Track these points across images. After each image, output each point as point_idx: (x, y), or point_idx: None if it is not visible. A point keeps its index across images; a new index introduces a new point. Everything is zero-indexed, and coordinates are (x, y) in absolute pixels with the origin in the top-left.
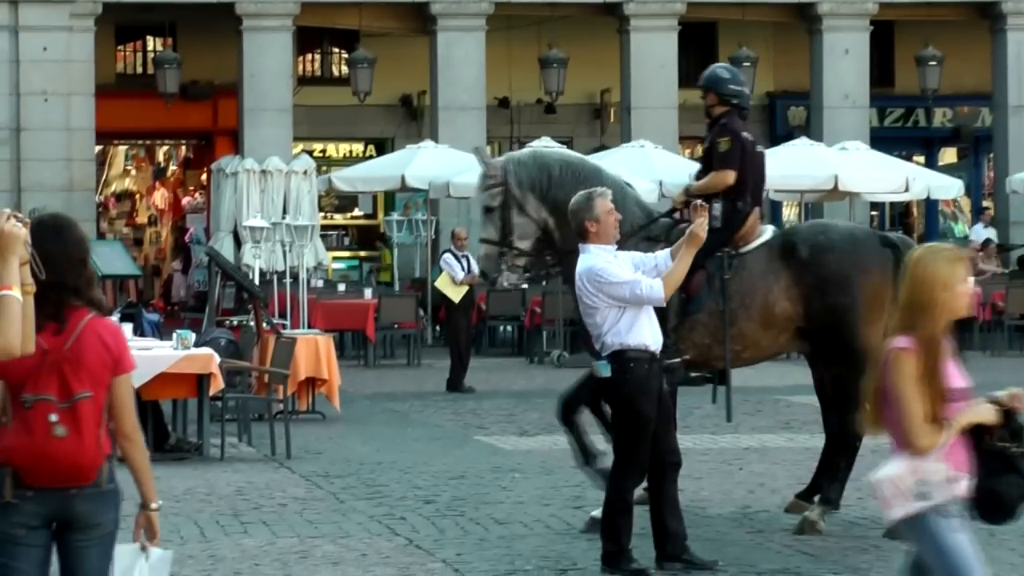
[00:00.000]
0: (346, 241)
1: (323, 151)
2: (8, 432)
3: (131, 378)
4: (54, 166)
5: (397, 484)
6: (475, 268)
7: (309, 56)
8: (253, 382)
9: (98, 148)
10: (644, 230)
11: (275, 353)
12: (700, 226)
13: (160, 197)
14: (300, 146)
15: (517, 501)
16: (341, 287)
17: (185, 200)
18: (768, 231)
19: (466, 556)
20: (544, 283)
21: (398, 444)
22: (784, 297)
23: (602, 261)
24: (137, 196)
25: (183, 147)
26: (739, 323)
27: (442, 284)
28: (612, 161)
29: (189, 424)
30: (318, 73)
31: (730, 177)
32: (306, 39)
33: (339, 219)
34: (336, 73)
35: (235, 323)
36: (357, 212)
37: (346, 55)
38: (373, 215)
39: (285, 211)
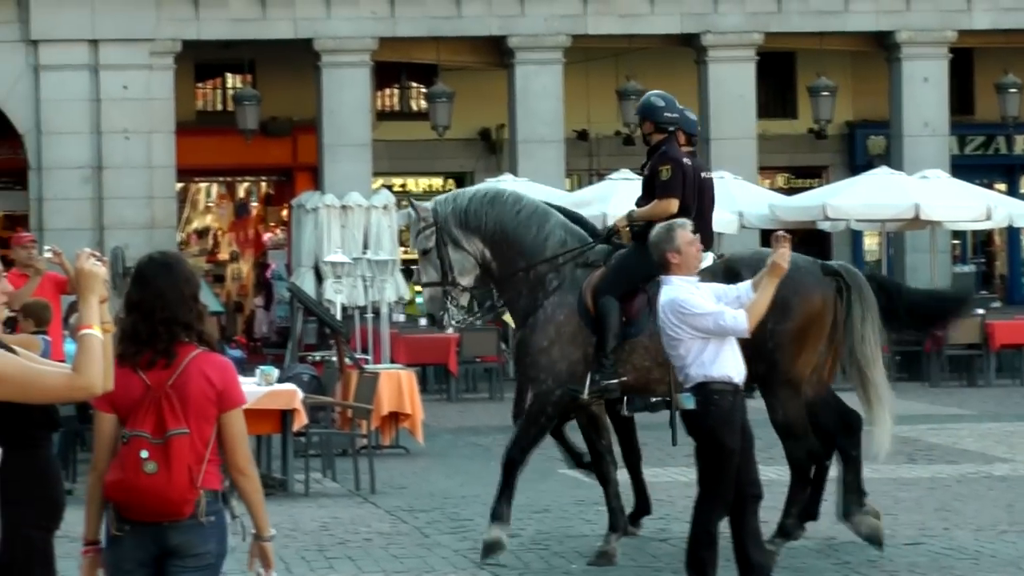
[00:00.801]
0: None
1: (403, 185)
2: (111, 467)
3: (241, 413)
4: (136, 204)
5: (481, 518)
6: None
7: (387, 91)
8: (336, 417)
9: (179, 185)
10: (581, 256)
11: (358, 388)
12: (783, 257)
13: (241, 234)
14: (380, 181)
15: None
16: (423, 321)
17: (266, 236)
18: (709, 258)
19: None
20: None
21: (482, 478)
22: None
23: (685, 292)
24: (218, 233)
25: (263, 183)
26: None
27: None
28: None
29: (273, 460)
30: (397, 108)
31: (673, 205)
32: (384, 74)
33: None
34: (415, 108)
35: (318, 359)
36: None
37: (424, 89)
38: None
39: (366, 246)
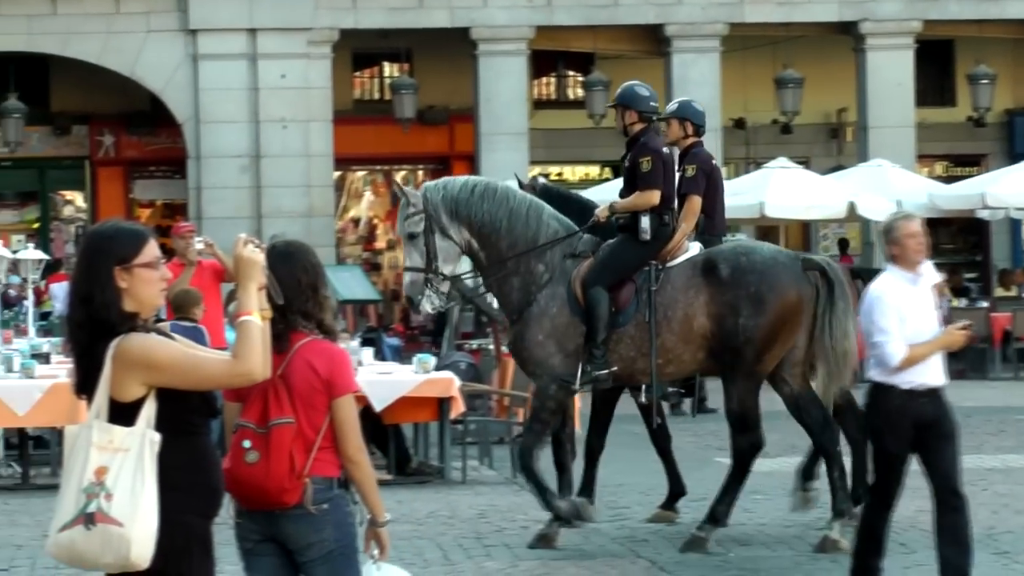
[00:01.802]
0: None
1: (559, 174)
2: (225, 457)
3: (351, 401)
4: (294, 192)
5: (639, 506)
6: None
7: (544, 79)
8: (493, 405)
9: (336, 174)
10: (567, 245)
11: (515, 376)
12: (962, 333)
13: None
14: (536, 169)
15: (759, 523)
16: None
17: None
18: (695, 247)
19: None
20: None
21: (639, 466)
22: (702, 313)
23: (890, 294)
24: (375, 221)
25: (420, 172)
26: (662, 336)
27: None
28: (849, 181)
29: (431, 448)
30: (553, 96)
31: (655, 197)
32: (541, 63)
33: None
34: (571, 96)
35: (475, 346)
36: None
37: (581, 78)
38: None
39: None
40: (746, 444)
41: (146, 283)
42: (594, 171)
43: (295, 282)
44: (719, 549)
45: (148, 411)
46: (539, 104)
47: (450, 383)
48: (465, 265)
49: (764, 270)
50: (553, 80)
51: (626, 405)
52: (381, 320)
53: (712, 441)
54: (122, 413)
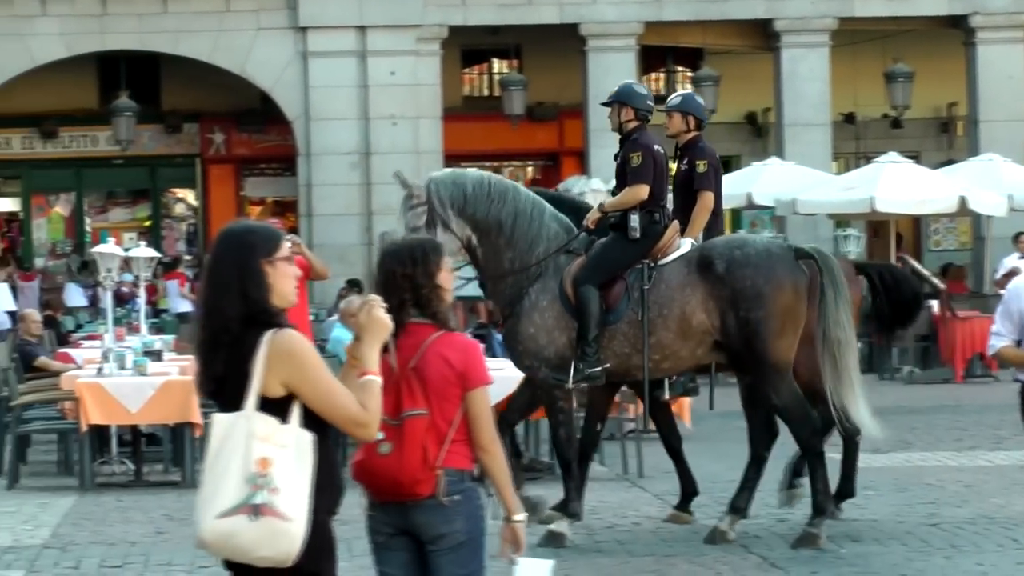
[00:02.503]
0: None
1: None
2: (358, 449)
3: (484, 392)
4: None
5: (754, 503)
6: None
7: (653, 75)
8: None
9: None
10: (560, 241)
11: None
12: None
13: None
14: None
15: (871, 518)
16: None
17: None
18: (686, 244)
19: (821, 574)
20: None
21: None
22: (701, 309)
23: (1014, 293)
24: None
25: (530, 168)
26: (657, 333)
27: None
28: (960, 175)
29: (542, 444)
30: (662, 92)
31: (643, 192)
32: (650, 58)
33: None
34: (680, 91)
35: None
36: None
37: (690, 73)
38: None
39: None
40: (806, 432)
41: (284, 277)
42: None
43: (408, 274)
44: (831, 545)
45: (297, 410)
46: None
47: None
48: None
49: (759, 263)
50: (662, 75)
51: (730, 400)
52: (491, 316)
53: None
54: (268, 407)
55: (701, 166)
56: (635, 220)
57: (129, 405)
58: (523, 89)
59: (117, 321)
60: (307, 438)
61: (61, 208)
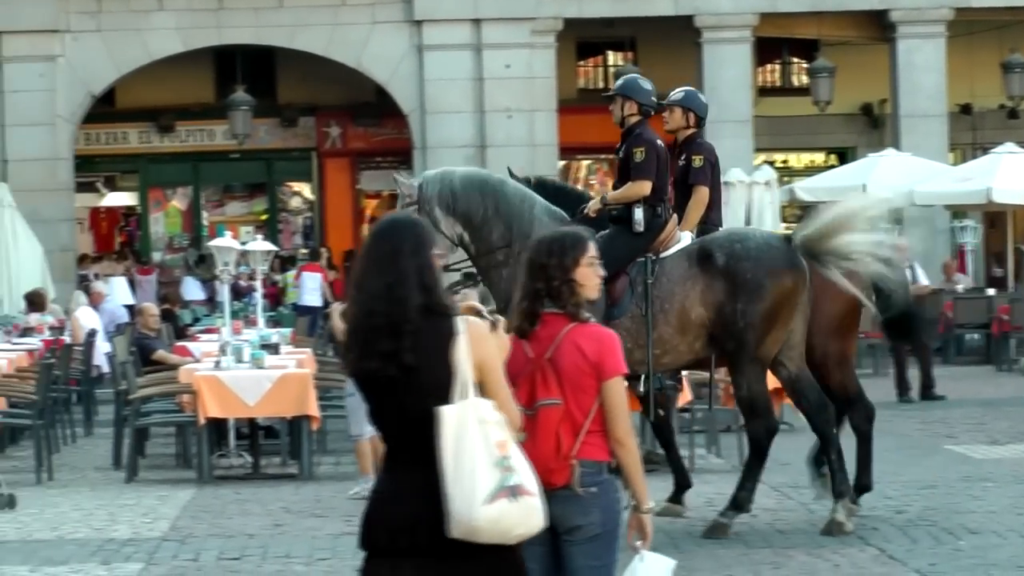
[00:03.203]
0: None
1: (784, 161)
2: None
3: (620, 383)
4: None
5: (868, 495)
6: (921, 278)
7: (769, 66)
8: (720, 393)
9: (561, 163)
10: None
11: None
12: None
13: None
14: (761, 157)
15: (989, 510)
16: None
17: None
18: (686, 237)
19: (940, 566)
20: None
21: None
22: (699, 303)
23: None
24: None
25: None
26: (658, 327)
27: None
28: None
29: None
30: (778, 83)
31: (646, 187)
32: (766, 49)
33: None
34: (796, 83)
35: None
36: None
37: (806, 65)
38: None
39: (748, 222)
40: (761, 429)
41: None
42: (819, 158)
43: (538, 267)
44: (953, 538)
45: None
46: (764, 91)
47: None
48: (459, 254)
49: (759, 256)
50: (778, 67)
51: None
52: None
53: (940, 428)
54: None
55: (697, 160)
56: (639, 214)
57: (247, 398)
58: None
59: (234, 315)
60: (500, 414)
61: (178, 202)
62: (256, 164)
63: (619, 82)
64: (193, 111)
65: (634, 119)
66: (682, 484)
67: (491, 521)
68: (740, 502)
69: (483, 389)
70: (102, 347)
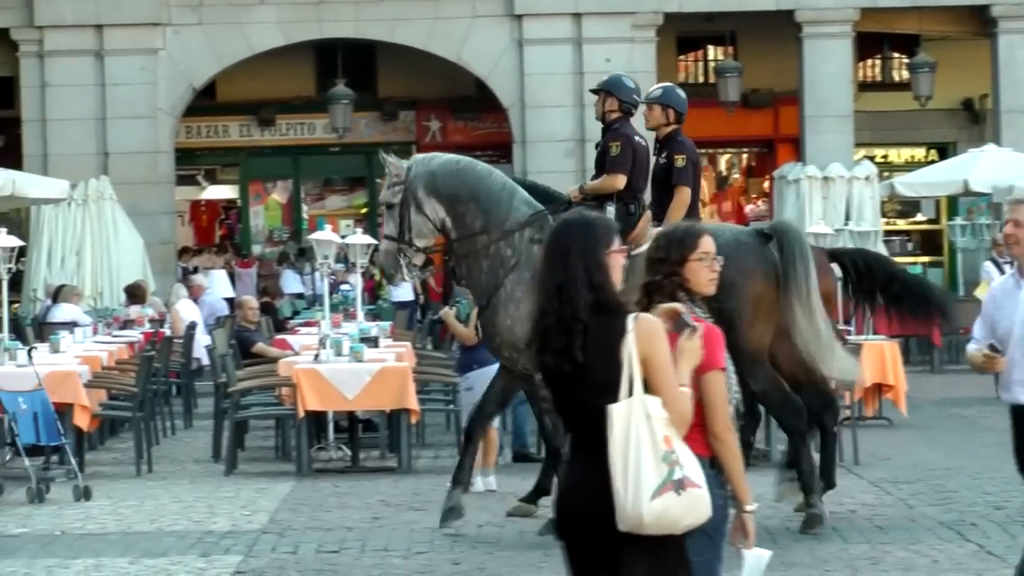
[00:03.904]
0: (909, 247)
1: (884, 156)
2: None
3: (719, 377)
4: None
5: (966, 490)
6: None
7: (869, 61)
8: None
9: None
10: (536, 230)
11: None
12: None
13: (722, 205)
14: (861, 152)
15: None
16: None
17: (748, 208)
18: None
19: None
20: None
21: (966, 450)
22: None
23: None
24: (699, 204)
25: (744, 155)
26: None
27: (981, 291)
28: None
29: (756, 431)
30: (878, 78)
31: (620, 181)
32: (866, 44)
33: (901, 224)
34: (896, 78)
35: None
36: (920, 217)
37: (906, 60)
38: (936, 220)
39: (848, 217)
40: (789, 414)
41: (616, 269)
42: (919, 153)
43: (649, 261)
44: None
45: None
46: (864, 86)
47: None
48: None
49: (729, 254)
50: (878, 62)
51: (946, 388)
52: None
53: None
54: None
55: (679, 160)
56: (610, 211)
57: (346, 391)
58: (738, 76)
59: (334, 308)
60: (665, 411)
61: (278, 195)
62: (356, 158)
63: (604, 79)
64: (293, 104)
65: (614, 115)
66: (541, 487)
67: (657, 515)
68: (809, 487)
69: (649, 385)
70: (202, 340)
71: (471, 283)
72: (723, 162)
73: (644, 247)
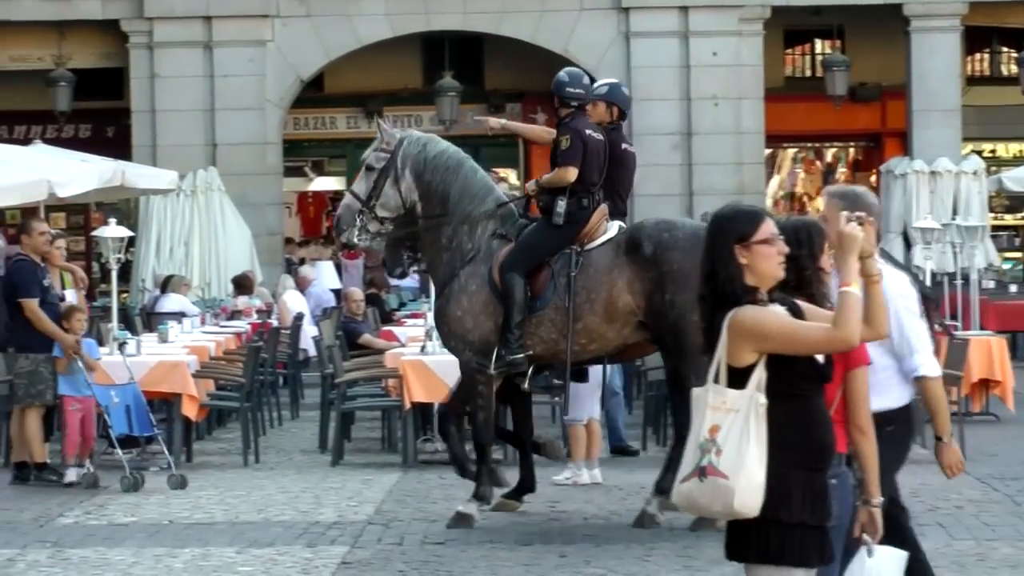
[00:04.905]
0: (1016, 242)
1: (992, 151)
2: None
3: (864, 373)
4: (725, 170)
5: None
6: None
7: (978, 56)
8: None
9: (767, 151)
10: (498, 224)
11: (948, 354)
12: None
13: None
14: (969, 147)
15: None
16: (1012, 288)
17: None
18: (614, 227)
19: None
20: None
21: None
22: (627, 291)
23: None
24: (805, 198)
25: (851, 149)
26: (584, 318)
27: None
28: None
29: None
30: (987, 73)
31: (571, 173)
32: (974, 38)
33: (1009, 220)
34: (1005, 72)
35: None
36: None
37: (1015, 54)
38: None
39: (955, 212)
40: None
41: (764, 258)
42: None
43: (795, 254)
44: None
45: (758, 376)
46: (972, 80)
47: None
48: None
49: (687, 247)
50: (986, 56)
51: None
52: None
53: None
54: (736, 377)
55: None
56: (560, 206)
57: (452, 383)
58: (846, 70)
59: None
60: (760, 402)
61: None
62: (463, 150)
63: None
64: (401, 96)
65: (563, 112)
66: (526, 486)
67: (682, 497)
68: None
69: (789, 353)
70: (309, 331)
71: (432, 272)
72: (830, 156)
73: (599, 240)
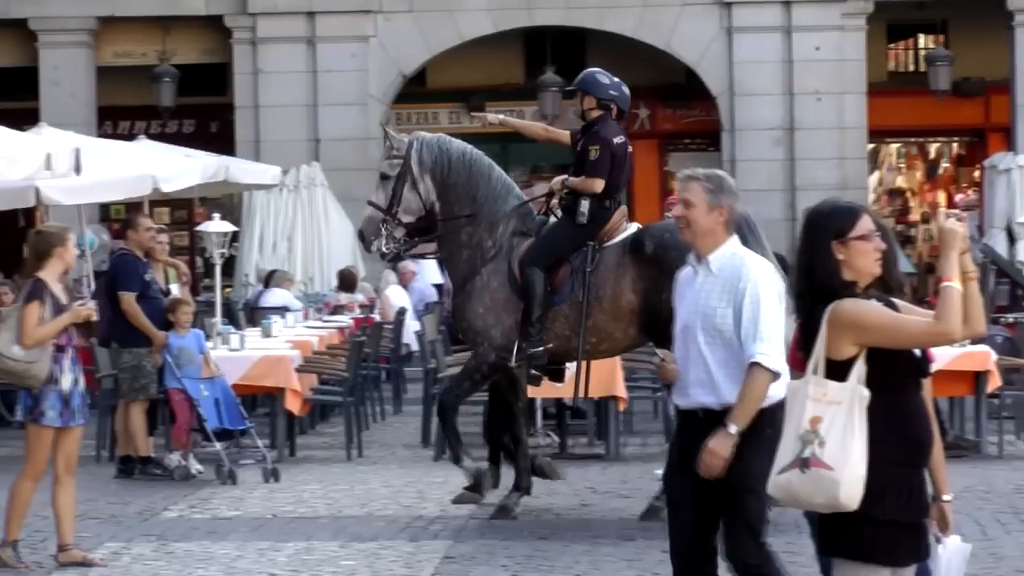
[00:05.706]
0: None
1: None
2: None
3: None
4: (827, 165)
5: None
6: None
7: None
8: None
9: (870, 146)
10: (519, 222)
11: None
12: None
13: (932, 195)
14: None
15: None
16: None
17: (958, 197)
18: (632, 228)
19: None
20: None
21: None
22: (629, 290)
23: None
24: (908, 194)
25: (955, 144)
26: (594, 315)
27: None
28: None
29: (966, 422)
30: None
31: (598, 185)
32: None
33: None
34: None
35: (1011, 320)
36: None
37: None
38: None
39: None
40: None
41: (861, 254)
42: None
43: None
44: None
45: (859, 369)
46: None
47: (986, 357)
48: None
49: (686, 247)
50: None
51: None
52: (916, 293)
53: None
54: (836, 370)
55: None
56: (584, 206)
57: (554, 379)
58: (949, 64)
59: None
60: (863, 394)
61: None
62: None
63: (578, 77)
64: (503, 92)
65: (594, 113)
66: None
67: (781, 488)
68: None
69: (887, 345)
70: (411, 326)
71: (451, 269)
72: (933, 151)
73: (615, 240)
